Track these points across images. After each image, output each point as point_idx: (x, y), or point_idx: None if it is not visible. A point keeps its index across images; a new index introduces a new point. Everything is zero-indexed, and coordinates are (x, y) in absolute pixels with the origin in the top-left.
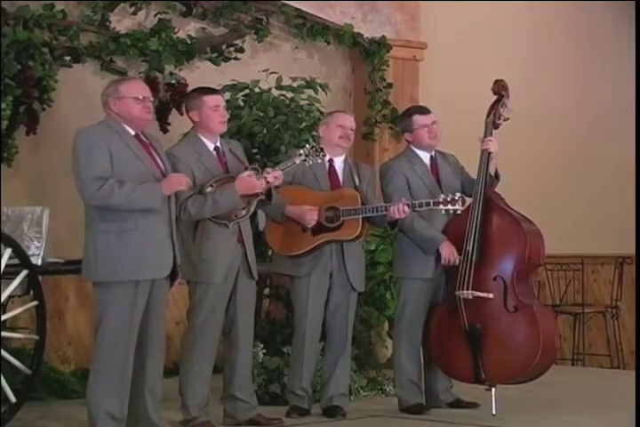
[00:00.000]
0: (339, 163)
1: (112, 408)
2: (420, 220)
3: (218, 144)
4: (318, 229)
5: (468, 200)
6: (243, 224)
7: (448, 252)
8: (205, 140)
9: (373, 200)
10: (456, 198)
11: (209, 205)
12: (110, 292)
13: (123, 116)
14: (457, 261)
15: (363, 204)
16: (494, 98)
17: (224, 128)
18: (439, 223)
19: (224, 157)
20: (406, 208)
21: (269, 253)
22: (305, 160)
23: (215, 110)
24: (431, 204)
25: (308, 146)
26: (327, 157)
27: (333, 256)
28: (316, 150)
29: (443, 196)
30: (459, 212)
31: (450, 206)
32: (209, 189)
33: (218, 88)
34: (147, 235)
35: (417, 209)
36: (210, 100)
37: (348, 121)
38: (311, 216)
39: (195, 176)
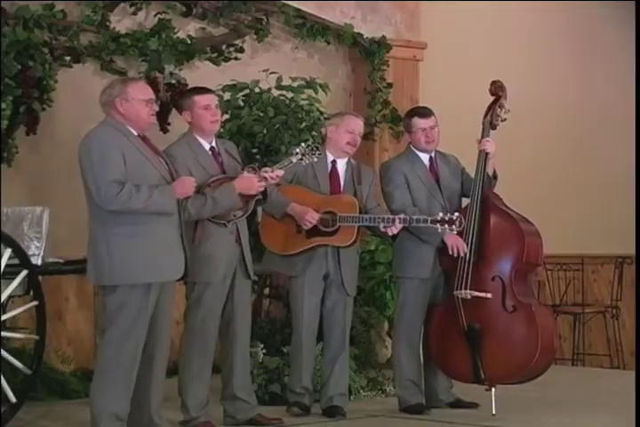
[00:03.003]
0: (342, 164)
1: (118, 409)
2: (421, 214)
3: (213, 144)
4: (313, 231)
5: (467, 201)
6: (240, 224)
7: (454, 241)
8: (201, 140)
9: (374, 203)
10: (454, 218)
11: (208, 205)
12: (124, 294)
13: (128, 117)
14: (463, 251)
15: (361, 212)
16: (492, 98)
17: (216, 127)
18: None
19: (220, 156)
20: (399, 226)
21: None
22: (301, 159)
23: (206, 110)
24: (429, 221)
25: (304, 144)
26: (330, 158)
27: (329, 258)
28: (312, 149)
29: (441, 214)
30: (454, 232)
31: (447, 226)
32: (207, 189)
33: (210, 87)
34: (160, 238)
35: (413, 225)
36: (201, 99)
37: (359, 126)
38: (311, 218)
39: (192, 176)
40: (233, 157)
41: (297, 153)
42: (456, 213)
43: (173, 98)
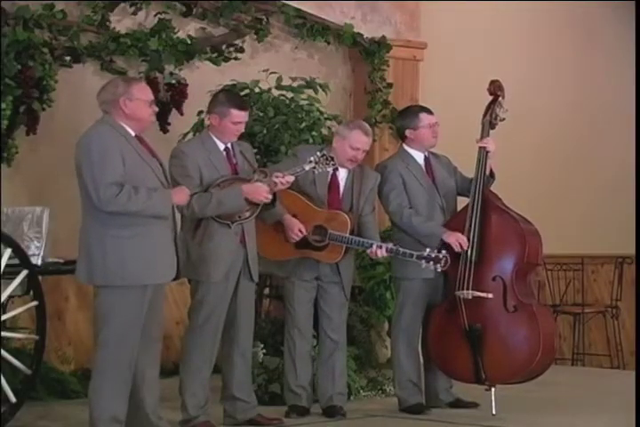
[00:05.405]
0: (343, 173)
1: (116, 411)
2: (417, 216)
3: (228, 145)
4: (302, 243)
5: (464, 200)
6: (246, 226)
7: (454, 239)
8: (217, 141)
9: (370, 208)
10: (440, 257)
11: (213, 204)
12: (119, 295)
13: (131, 117)
14: (465, 245)
15: (352, 232)
16: (490, 98)
17: (235, 139)
18: (437, 222)
19: (234, 157)
20: (384, 253)
21: None
22: (314, 168)
23: (235, 125)
24: (414, 256)
25: (319, 153)
26: None
27: (321, 264)
28: (327, 159)
29: (428, 250)
30: (439, 270)
31: (431, 264)
32: (215, 189)
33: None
34: (156, 240)
35: (399, 257)
36: (236, 115)
37: (364, 144)
38: (296, 234)
39: (202, 174)
40: (247, 159)
41: (311, 161)
42: (443, 251)
43: (173, 98)
